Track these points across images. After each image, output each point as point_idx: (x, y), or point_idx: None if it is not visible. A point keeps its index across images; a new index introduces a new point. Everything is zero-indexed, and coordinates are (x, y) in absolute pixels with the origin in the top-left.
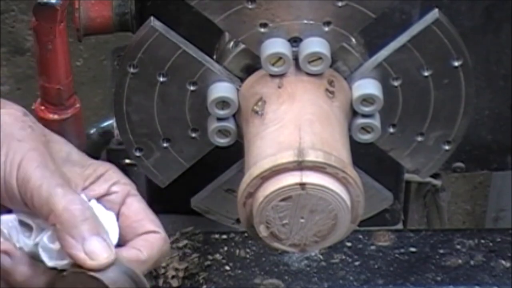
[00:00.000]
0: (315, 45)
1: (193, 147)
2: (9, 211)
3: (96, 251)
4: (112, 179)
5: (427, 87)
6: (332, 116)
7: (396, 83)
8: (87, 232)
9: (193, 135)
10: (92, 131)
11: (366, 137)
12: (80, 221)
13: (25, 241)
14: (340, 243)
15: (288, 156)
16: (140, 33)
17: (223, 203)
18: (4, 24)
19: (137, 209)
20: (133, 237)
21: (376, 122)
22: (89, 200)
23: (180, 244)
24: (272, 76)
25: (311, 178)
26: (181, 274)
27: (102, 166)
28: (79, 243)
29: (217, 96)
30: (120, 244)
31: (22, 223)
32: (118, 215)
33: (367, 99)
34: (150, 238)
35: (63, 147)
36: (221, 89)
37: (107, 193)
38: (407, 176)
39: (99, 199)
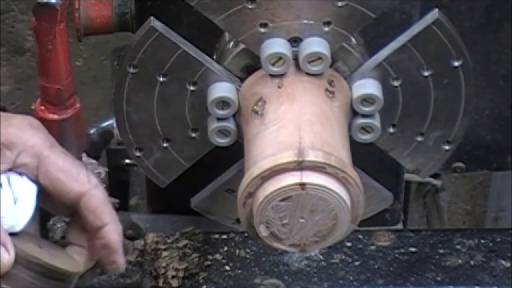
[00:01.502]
0: (315, 45)
1: (193, 147)
2: None
3: None
4: (17, 147)
5: (427, 87)
6: (332, 116)
7: (396, 83)
8: None
9: (193, 135)
10: (92, 131)
11: (366, 137)
12: None
13: None
14: (340, 243)
15: (288, 156)
16: (140, 33)
17: (223, 203)
18: (4, 24)
19: (55, 172)
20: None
21: (376, 122)
22: None
23: (180, 244)
24: (272, 76)
25: (311, 178)
26: (181, 274)
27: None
28: None
29: (217, 96)
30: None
31: None
32: (38, 182)
33: (367, 99)
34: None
35: None
36: (221, 89)
37: (16, 166)
38: (407, 176)
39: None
